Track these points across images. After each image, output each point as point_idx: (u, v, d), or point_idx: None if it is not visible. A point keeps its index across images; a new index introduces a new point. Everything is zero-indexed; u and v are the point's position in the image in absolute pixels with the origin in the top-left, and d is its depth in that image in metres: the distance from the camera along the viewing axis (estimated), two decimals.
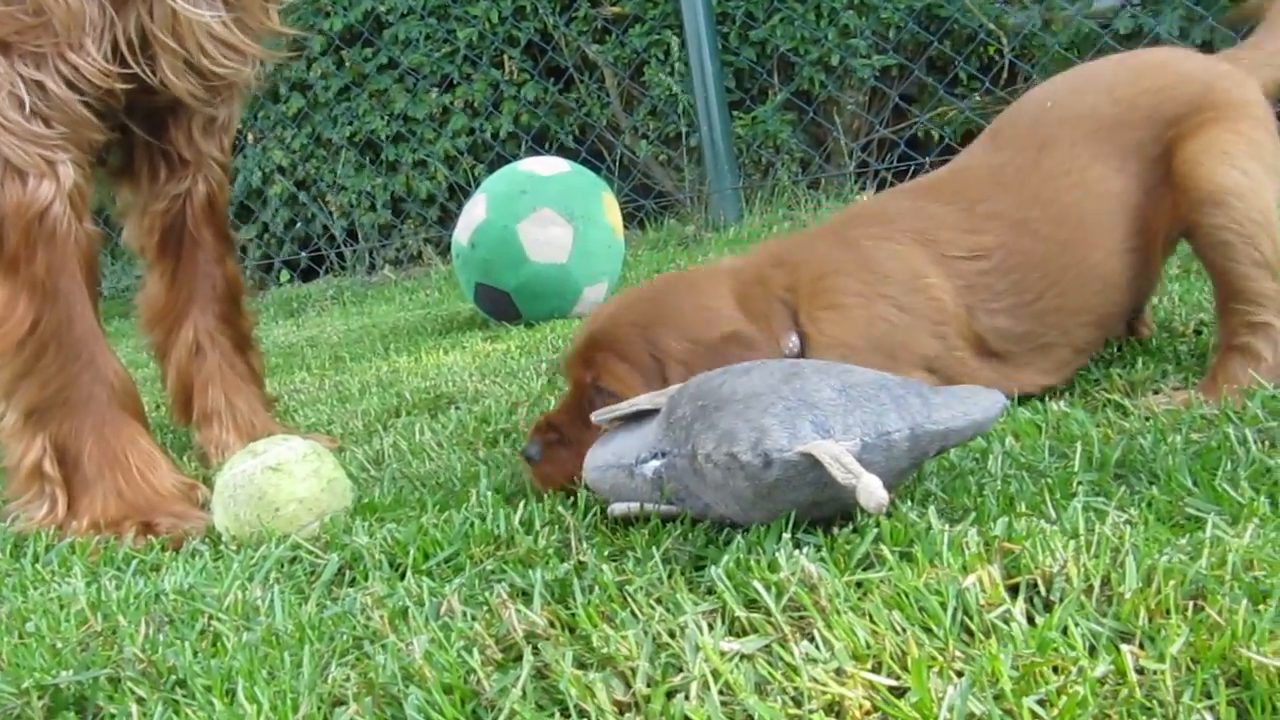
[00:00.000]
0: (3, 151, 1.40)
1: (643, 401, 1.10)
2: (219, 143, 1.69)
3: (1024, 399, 1.35)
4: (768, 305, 1.27)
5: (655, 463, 1.03)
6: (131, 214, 1.73)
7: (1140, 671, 0.71)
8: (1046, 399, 1.35)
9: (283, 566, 1.17)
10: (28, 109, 1.41)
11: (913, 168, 4.04)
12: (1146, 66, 1.39)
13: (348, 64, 5.15)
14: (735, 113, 4.38)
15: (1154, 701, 0.68)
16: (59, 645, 1.01)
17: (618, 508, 1.09)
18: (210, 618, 1.04)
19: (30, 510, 1.46)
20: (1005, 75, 4.37)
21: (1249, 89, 1.35)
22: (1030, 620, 0.78)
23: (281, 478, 1.27)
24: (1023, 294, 1.32)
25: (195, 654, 0.94)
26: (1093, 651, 0.73)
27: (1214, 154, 1.29)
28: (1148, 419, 1.21)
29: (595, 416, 1.14)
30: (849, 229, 1.36)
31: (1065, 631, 0.75)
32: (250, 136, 5.35)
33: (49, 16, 1.39)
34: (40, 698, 0.91)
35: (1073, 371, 1.40)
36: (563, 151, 4.59)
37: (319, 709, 0.81)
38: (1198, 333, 1.57)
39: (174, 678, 0.91)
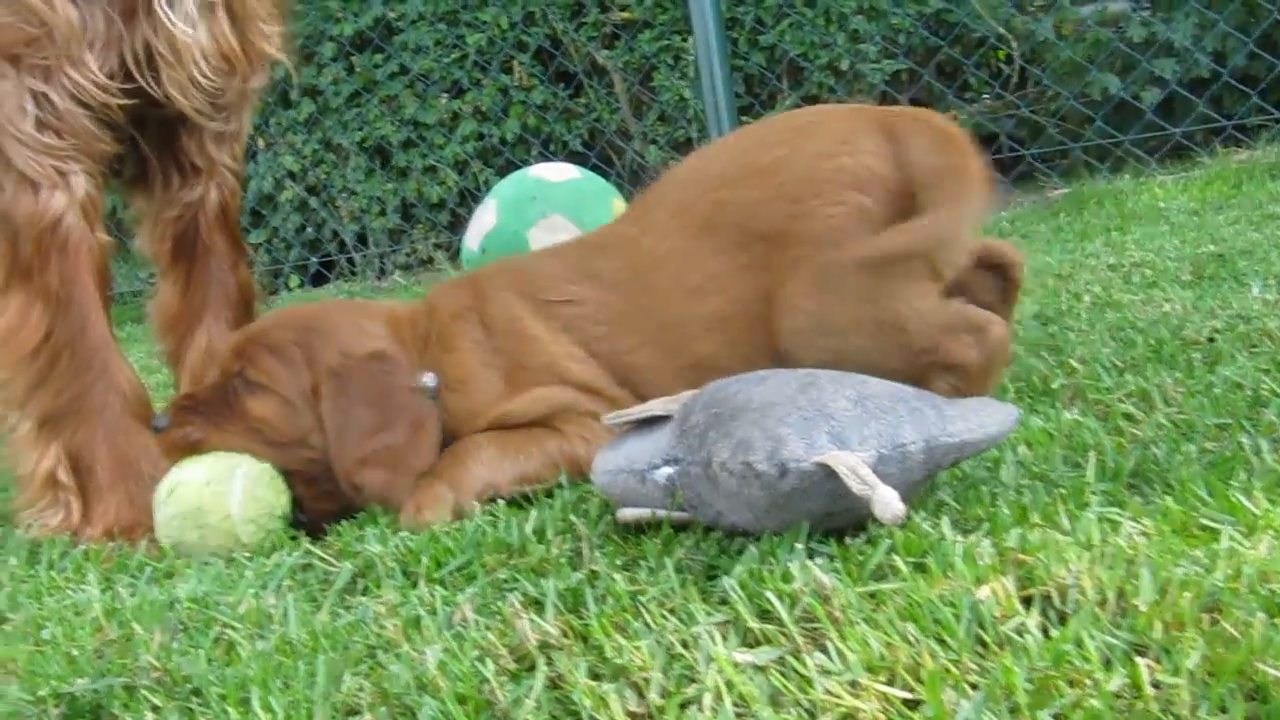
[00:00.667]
0: (15, 163, 1.41)
1: (655, 407, 1.10)
2: (230, 150, 1.69)
3: (1035, 409, 1.35)
4: (414, 344, 1.42)
5: (667, 469, 1.03)
6: (145, 222, 1.74)
7: (1156, 685, 0.70)
8: (1058, 407, 1.35)
9: (295, 574, 1.18)
10: (38, 121, 1.42)
11: None
12: (748, 161, 1.37)
13: (358, 70, 5.16)
14: (744, 118, 4.38)
15: (1170, 715, 0.68)
16: (74, 653, 1.02)
17: (627, 513, 1.09)
18: (224, 626, 1.04)
19: (45, 518, 1.47)
20: (1015, 80, 4.37)
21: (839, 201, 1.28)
22: (1045, 632, 0.78)
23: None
24: (615, 344, 1.39)
25: (210, 662, 0.95)
26: (1108, 664, 0.73)
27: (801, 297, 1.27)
28: (1161, 428, 1.21)
29: (607, 419, 1.14)
30: (484, 286, 1.46)
31: (1080, 644, 0.75)
32: (261, 142, 5.37)
33: (50, 29, 1.40)
34: (56, 706, 0.91)
35: None
36: (572, 157, 4.60)
37: (333, 719, 0.81)
38: (1210, 340, 1.57)
39: (189, 686, 0.91)
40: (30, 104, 1.41)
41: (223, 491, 1.30)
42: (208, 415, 1.36)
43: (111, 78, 1.45)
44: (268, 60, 1.62)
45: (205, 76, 1.51)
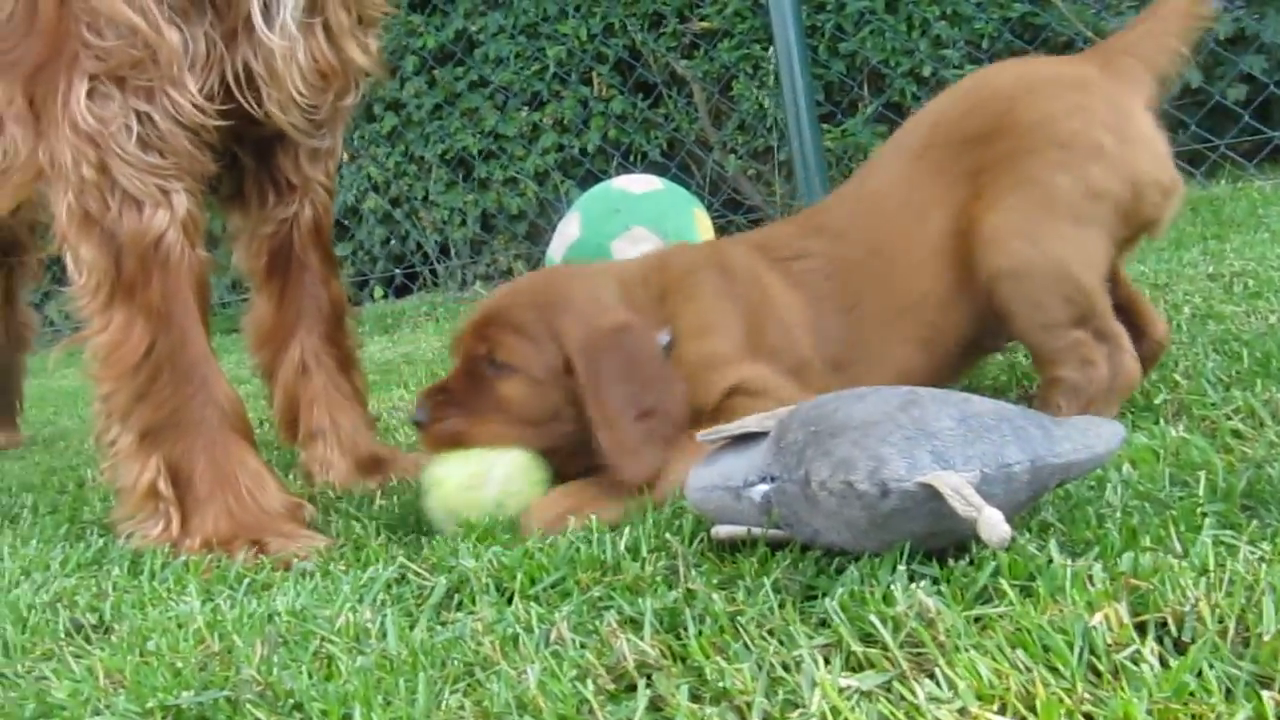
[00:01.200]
0: (120, 182, 1.45)
1: (750, 423, 1.09)
2: (324, 168, 1.73)
3: (1138, 425, 1.32)
4: (646, 302, 1.41)
5: (763, 486, 1.02)
6: (241, 238, 1.77)
7: None
8: (1163, 423, 1.31)
9: (390, 588, 1.19)
10: (141, 140, 1.45)
11: None
12: (968, 85, 1.47)
13: (440, 83, 5.23)
14: (825, 126, 4.35)
15: None
16: (179, 665, 1.03)
17: (722, 530, 1.08)
18: (323, 640, 1.05)
19: (145, 528, 1.50)
20: None
21: (1061, 102, 1.36)
22: (1162, 661, 0.75)
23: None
24: (842, 298, 1.41)
25: (310, 677, 0.96)
26: (1229, 696, 0.71)
27: (1004, 227, 1.32)
28: (1273, 446, 1.17)
29: (702, 436, 1.13)
30: (716, 241, 1.54)
31: (1200, 675, 0.72)
32: (346, 155, 5.47)
33: (154, 51, 1.44)
34: (164, 718, 0.93)
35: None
36: (651, 167, 4.60)
37: None
38: None
39: (291, 701, 0.92)
40: (135, 124, 1.44)
41: (477, 495, 1.33)
42: (462, 403, 1.36)
43: (211, 99, 1.48)
44: (364, 75, 1.65)
45: (303, 94, 1.53)
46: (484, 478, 1.33)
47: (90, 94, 1.45)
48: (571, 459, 1.36)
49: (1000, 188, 1.34)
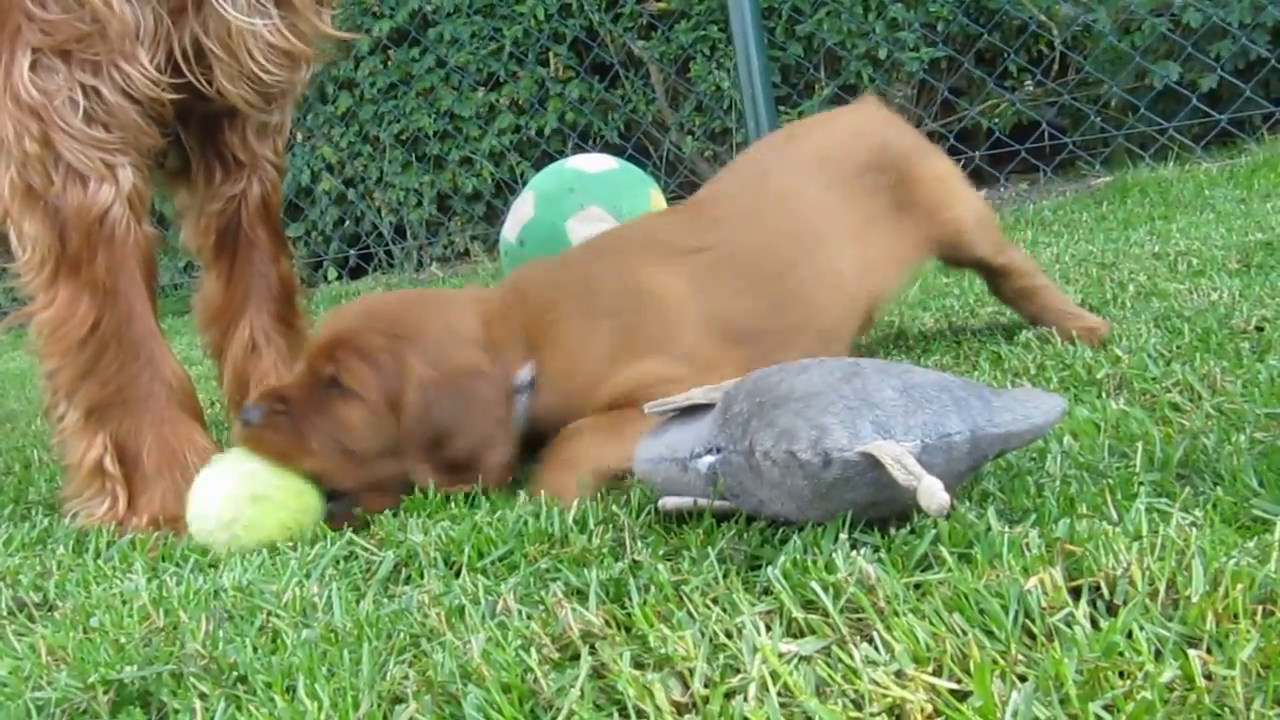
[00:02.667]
0: (64, 156, 1.43)
1: (697, 395, 1.09)
2: (273, 144, 1.71)
3: (1080, 399, 1.34)
4: (506, 338, 1.39)
5: (709, 458, 1.03)
6: (188, 215, 1.75)
7: (1209, 677, 0.69)
8: (1104, 397, 1.33)
9: (338, 563, 1.19)
10: (86, 114, 1.43)
11: (962, 161, 4.01)
12: (832, 127, 1.73)
13: (395, 63, 5.19)
14: (782, 108, 4.36)
15: (1224, 708, 0.67)
16: (123, 640, 1.03)
17: (669, 501, 1.08)
18: (269, 614, 1.05)
19: (91, 507, 1.49)
20: (1056, 67, 4.32)
21: (906, 127, 1.74)
22: (1094, 624, 0.77)
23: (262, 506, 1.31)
24: (749, 284, 1.48)
25: (255, 650, 0.96)
26: (1158, 656, 0.72)
27: (937, 202, 1.65)
28: (1210, 418, 1.19)
29: (648, 408, 1.14)
30: (578, 253, 1.56)
31: (1130, 635, 0.74)
32: (299, 135, 5.41)
33: (103, 25, 1.41)
34: (106, 692, 0.92)
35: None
36: (608, 148, 4.60)
37: (379, 706, 0.81)
38: (1259, 329, 1.54)
39: (235, 674, 0.92)
40: (80, 97, 1.42)
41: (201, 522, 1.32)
42: (296, 416, 1.34)
43: (160, 72, 1.46)
44: (324, 43, 1.63)
45: (257, 69, 1.51)
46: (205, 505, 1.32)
47: (34, 66, 1.42)
48: (386, 495, 1.35)
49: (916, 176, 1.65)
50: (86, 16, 1.41)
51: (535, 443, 1.39)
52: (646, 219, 1.71)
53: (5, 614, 1.19)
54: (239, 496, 1.30)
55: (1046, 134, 4.17)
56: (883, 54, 4.29)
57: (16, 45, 1.42)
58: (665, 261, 1.47)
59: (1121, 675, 0.70)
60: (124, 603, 1.14)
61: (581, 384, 1.38)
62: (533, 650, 0.84)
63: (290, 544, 1.28)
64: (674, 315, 1.42)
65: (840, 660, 0.76)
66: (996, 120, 4.25)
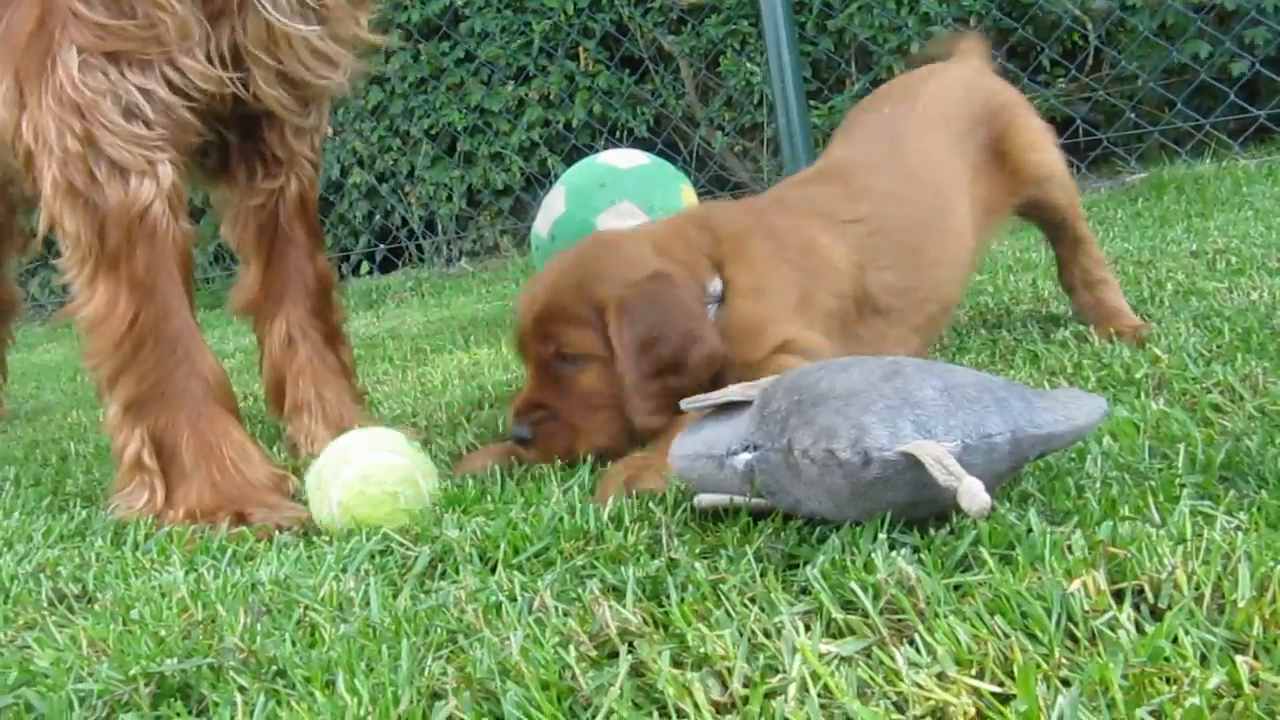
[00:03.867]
0: (107, 151, 1.44)
1: (734, 392, 1.09)
2: (310, 143, 1.72)
3: (1119, 399, 1.33)
4: (690, 255, 1.44)
5: (746, 455, 1.02)
6: (227, 211, 1.77)
7: (1256, 684, 0.68)
8: (1144, 397, 1.32)
9: (374, 558, 1.19)
10: (128, 111, 1.44)
11: None
12: (946, 81, 1.76)
13: (425, 57, 5.20)
14: (813, 103, 4.35)
15: (1273, 715, 0.66)
16: (162, 633, 1.04)
17: (705, 499, 1.08)
18: (306, 609, 1.05)
19: (130, 500, 1.50)
20: (1090, 61, 4.28)
21: (1004, 84, 1.79)
22: (1138, 628, 0.76)
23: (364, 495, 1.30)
24: (903, 252, 1.53)
25: (294, 645, 0.96)
26: (1205, 661, 0.71)
27: (1032, 148, 1.71)
28: (1252, 419, 1.18)
29: (686, 404, 1.14)
30: (754, 208, 1.57)
31: (1176, 640, 0.73)
32: (331, 130, 5.43)
33: (159, 29, 1.43)
34: (147, 685, 0.93)
35: (937, 334, 1.68)
36: (638, 143, 4.59)
37: (418, 703, 0.82)
38: None
39: (274, 668, 0.92)
40: (126, 96, 1.44)
41: (321, 495, 1.32)
42: (553, 407, 1.39)
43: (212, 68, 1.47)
44: (359, 48, 1.63)
45: (299, 71, 1.52)
46: (329, 477, 1.31)
47: (80, 66, 1.43)
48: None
49: (1014, 128, 1.71)
50: (140, 22, 1.42)
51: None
52: (793, 185, 1.70)
53: (46, 605, 1.20)
54: (385, 481, 1.30)
55: (1081, 130, 4.14)
56: (914, 49, 4.27)
57: (61, 46, 1.43)
58: (832, 232, 1.50)
59: (1168, 681, 0.69)
60: (163, 595, 1.15)
61: (765, 312, 1.41)
62: (571, 648, 0.84)
63: (326, 538, 1.28)
64: (845, 286, 1.46)
65: (881, 662, 0.75)
66: None
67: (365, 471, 1.30)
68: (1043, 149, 1.71)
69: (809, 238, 1.47)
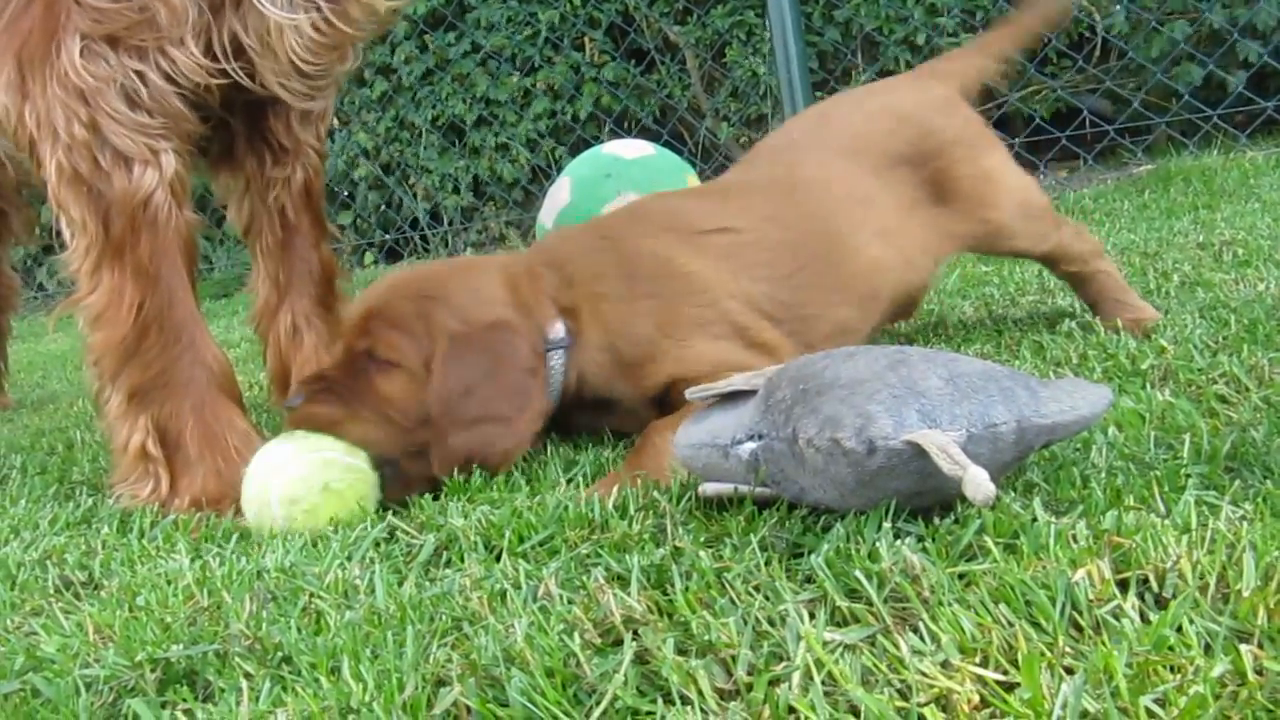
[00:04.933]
0: (111, 140, 1.44)
1: (738, 381, 1.09)
2: (315, 131, 1.72)
3: (1125, 390, 1.32)
4: (535, 299, 1.42)
5: (751, 444, 1.02)
6: (232, 200, 1.77)
7: (1260, 672, 0.68)
8: (1149, 388, 1.31)
9: (379, 546, 1.19)
10: (131, 99, 1.44)
11: None
12: (867, 111, 1.66)
13: (431, 48, 5.20)
14: (819, 94, 4.33)
15: (1277, 704, 0.66)
16: (168, 620, 1.04)
17: (709, 488, 1.08)
18: (311, 596, 1.05)
19: (134, 489, 1.51)
20: (1098, 53, 4.27)
21: (956, 113, 1.65)
22: (1143, 617, 0.76)
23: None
24: (776, 269, 1.49)
25: (299, 632, 0.96)
26: (1209, 651, 0.71)
27: (977, 199, 1.61)
28: (1258, 410, 1.18)
29: (690, 393, 1.14)
30: (610, 228, 1.54)
31: (1180, 630, 0.73)
32: (336, 120, 5.43)
33: (153, 13, 1.43)
34: (153, 671, 0.93)
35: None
36: (644, 134, 4.59)
37: (423, 689, 0.82)
38: None
39: (279, 654, 0.93)
40: (126, 82, 1.43)
41: (259, 497, 1.31)
42: (339, 394, 1.36)
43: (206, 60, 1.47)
44: (374, 21, 1.61)
45: (303, 60, 1.52)
46: (268, 524, 1.30)
47: (83, 52, 1.43)
48: (424, 462, 1.35)
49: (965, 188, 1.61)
50: (136, 6, 1.42)
51: (584, 407, 1.44)
52: (667, 197, 1.70)
53: (52, 592, 1.21)
54: (312, 482, 1.29)
55: (1087, 121, 4.12)
56: (921, 39, 4.26)
57: (65, 31, 1.43)
58: (688, 245, 1.48)
59: (1172, 669, 0.69)
60: (169, 582, 1.15)
61: (633, 352, 1.41)
62: (575, 635, 0.84)
63: (331, 526, 1.29)
64: (711, 293, 1.44)
65: (885, 650, 0.75)
66: (1037, 107, 4.20)
67: (290, 494, 1.29)
68: (993, 203, 1.61)
69: (664, 258, 1.45)
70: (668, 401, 1.38)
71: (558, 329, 1.42)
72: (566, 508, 1.16)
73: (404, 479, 1.35)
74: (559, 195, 2.87)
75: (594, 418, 1.49)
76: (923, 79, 1.74)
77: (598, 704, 0.76)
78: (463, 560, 1.10)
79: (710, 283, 1.44)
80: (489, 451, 1.34)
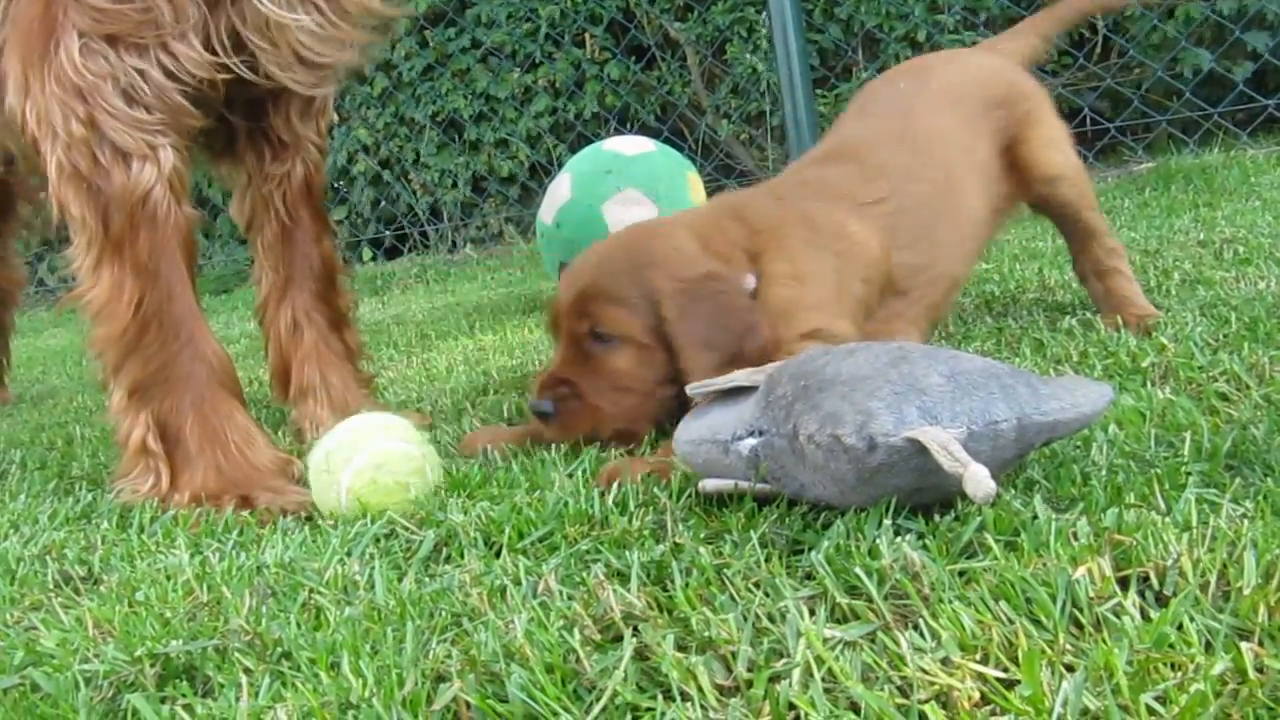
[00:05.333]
0: (109, 136, 1.44)
1: (739, 377, 1.09)
2: (316, 125, 1.72)
3: (1125, 388, 1.32)
4: (727, 250, 1.44)
5: (751, 440, 1.02)
6: (233, 195, 1.77)
7: (1261, 670, 0.68)
8: (1150, 385, 1.31)
9: (379, 542, 1.19)
10: (128, 95, 1.44)
11: None
12: (964, 63, 1.76)
13: (431, 44, 5.19)
14: (819, 91, 4.33)
15: (1277, 702, 0.66)
16: (168, 615, 1.04)
17: (709, 484, 1.08)
18: (311, 591, 1.05)
19: (135, 484, 1.50)
20: (1099, 50, 4.26)
21: (1029, 78, 1.76)
22: (1143, 614, 0.76)
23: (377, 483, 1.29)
24: (919, 230, 1.53)
25: (299, 627, 0.96)
26: (1210, 648, 0.71)
27: (1047, 145, 1.69)
28: (1258, 408, 1.17)
29: (691, 389, 1.14)
30: (782, 194, 1.57)
31: (1180, 627, 0.73)
32: (336, 116, 5.42)
33: (155, 12, 1.43)
34: (152, 665, 0.93)
35: (948, 312, 1.72)
36: (644, 131, 4.58)
37: (422, 685, 0.82)
38: None
39: (279, 650, 0.93)
40: (125, 79, 1.43)
41: (329, 479, 1.31)
42: (578, 385, 1.39)
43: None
44: (370, 21, 1.61)
45: (305, 51, 1.52)
46: (341, 462, 1.30)
47: (81, 50, 1.43)
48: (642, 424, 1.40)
49: (1029, 122, 1.69)
50: (138, 6, 1.42)
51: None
52: (811, 166, 1.67)
53: (52, 587, 1.21)
54: (407, 465, 1.30)
55: (1088, 119, 4.12)
56: (922, 36, 4.25)
57: (63, 29, 1.43)
58: (859, 215, 1.51)
59: (1172, 667, 0.69)
60: (168, 578, 1.15)
61: (800, 298, 1.41)
62: (575, 631, 0.84)
63: (331, 522, 1.29)
64: (874, 272, 1.47)
65: (885, 646, 0.75)
66: None
67: (379, 460, 1.29)
68: (1056, 147, 1.70)
69: (841, 223, 1.48)
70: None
71: (750, 279, 1.43)
72: (566, 504, 1.15)
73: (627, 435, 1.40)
74: (560, 191, 2.86)
75: None
76: (990, 52, 1.83)
77: (597, 700, 0.76)
78: (462, 556, 1.10)
79: (877, 258, 1.48)
80: (744, 355, 1.34)
